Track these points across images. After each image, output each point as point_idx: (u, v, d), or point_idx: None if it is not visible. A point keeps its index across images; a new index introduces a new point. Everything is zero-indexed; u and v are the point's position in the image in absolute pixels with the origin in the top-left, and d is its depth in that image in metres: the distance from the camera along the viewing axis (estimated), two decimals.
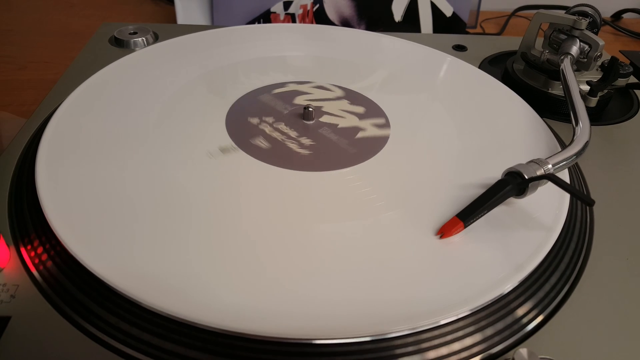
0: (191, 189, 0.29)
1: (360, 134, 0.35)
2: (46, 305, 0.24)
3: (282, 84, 0.41)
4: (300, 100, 0.39)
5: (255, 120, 0.36)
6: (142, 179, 0.30)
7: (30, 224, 0.27)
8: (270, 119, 0.37)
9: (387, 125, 0.37)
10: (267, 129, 0.35)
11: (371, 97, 0.40)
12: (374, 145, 0.34)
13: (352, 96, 0.40)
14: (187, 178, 0.30)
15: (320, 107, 0.38)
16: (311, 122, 0.37)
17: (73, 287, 0.24)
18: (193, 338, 0.22)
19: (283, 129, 0.36)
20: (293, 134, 0.35)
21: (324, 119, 0.37)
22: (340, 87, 0.41)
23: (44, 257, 0.26)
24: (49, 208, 0.27)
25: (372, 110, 0.39)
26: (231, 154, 0.29)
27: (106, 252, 0.25)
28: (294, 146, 0.34)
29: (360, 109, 0.39)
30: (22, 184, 0.30)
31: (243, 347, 0.22)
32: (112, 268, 0.24)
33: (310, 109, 0.36)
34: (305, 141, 0.34)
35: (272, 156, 0.33)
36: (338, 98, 0.40)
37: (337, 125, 0.36)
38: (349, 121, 0.37)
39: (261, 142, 0.34)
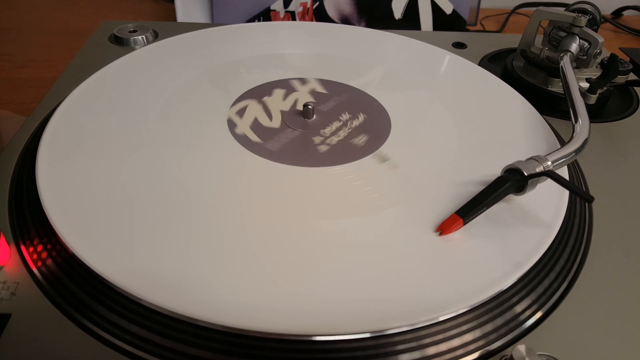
0: (191, 187, 0.29)
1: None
2: (46, 302, 0.24)
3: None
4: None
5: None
6: (142, 177, 0.30)
7: (30, 222, 0.28)
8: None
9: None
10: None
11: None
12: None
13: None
14: (186, 176, 0.30)
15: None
16: (309, 120, 0.37)
17: (73, 285, 0.24)
18: (193, 335, 0.22)
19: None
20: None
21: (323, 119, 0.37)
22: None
23: (44, 255, 0.26)
24: (49, 206, 0.27)
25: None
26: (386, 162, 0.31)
27: (106, 250, 0.25)
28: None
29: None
30: (22, 182, 0.30)
31: (244, 345, 0.22)
32: (112, 266, 0.24)
33: (309, 107, 0.36)
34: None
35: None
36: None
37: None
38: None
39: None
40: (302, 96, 0.40)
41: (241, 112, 0.37)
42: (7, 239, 0.27)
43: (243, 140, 0.34)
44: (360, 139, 0.35)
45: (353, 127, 0.36)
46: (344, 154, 0.33)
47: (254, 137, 0.34)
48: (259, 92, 0.40)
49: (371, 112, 0.38)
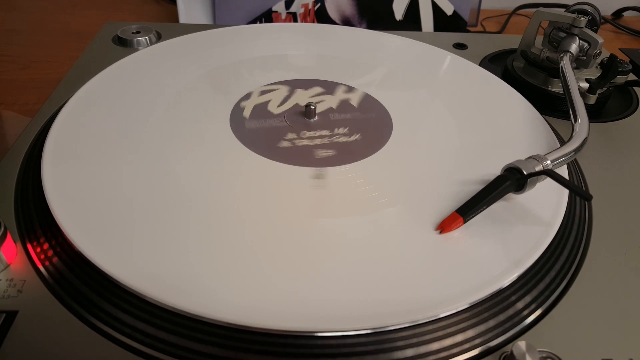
0: (194, 187, 0.30)
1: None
2: (52, 299, 0.24)
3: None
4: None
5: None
6: (146, 176, 0.30)
7: (36, 221, 0.28)
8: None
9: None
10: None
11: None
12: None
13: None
14: (189, 176, 0.31)
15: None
16: (312, 120, 0.37)
17: (78, 282, 0.25)
18: (198, 331, 0.23)
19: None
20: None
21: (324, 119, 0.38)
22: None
23: (50, 253, 0.26)
24: (55, 204, 0.27)
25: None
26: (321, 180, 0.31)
27: (111, 247, 0.25)
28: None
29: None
30: (28, 181, 0.31)
31: (248, 340, 0.23)
32: (117, 263, 0.24)
33: (311, 107, 0.37)
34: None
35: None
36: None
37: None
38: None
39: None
40: (331, 101, 0.40)
41: (266, 92, 0.39)
42: (13, 238, 0.27)
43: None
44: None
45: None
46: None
47: (246, 112, 0.36)
48: (299, 84, 0.41)
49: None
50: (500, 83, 0.44)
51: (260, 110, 0.37)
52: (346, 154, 0.34)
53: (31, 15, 0.72)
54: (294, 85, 0.41)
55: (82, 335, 0.23)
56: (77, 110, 0.36)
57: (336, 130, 0.36)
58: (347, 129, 0.36)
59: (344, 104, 0.40)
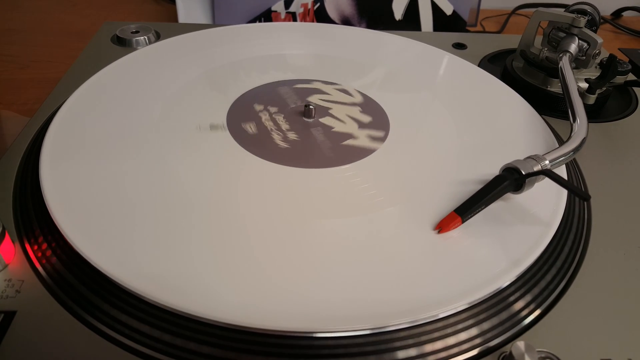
0: (192, 186, 0.30)
1: (349, 142, 0.35)
2: (50, 299, 0.24)
3: (307, 81, 0.42)
4: (314, 99, 0.40)
5: (259, 107, 0.38)
6: (145, 176, 0.30)
7: (34, 221, 0.28)
8: (274, 109, 0.38)
9: (382, 139, 0.35)
10: (264, 117, 0.36)
11: (371, 94, 0.41)
12: (354, 155, 0.34)
13: (368, 105, 0.40)
14: (189, 175, 0.31)
15: (329, 108, 0.39)
16: (310, 120, 0.37)
17: (77, 282, 0.25)
18: (197, 332, 0.23)
19: (279, 120, 0.36)
20: (285, 127, 0.36)
21: (325, 120, 0.37)
22: (362, 94, 0.41)
23: (48, 253, 0.26)
24: (53, 204, 0.27)
25: (378, 122, 0.38)
26: (218, 132, 0.30)
27: (109, 247, 0.25)
28: (277, 137, 0.35)
29: (366, 119, 0.38)
30: (26, 181, 0.31)
31: (250, 341, 0.23)
32: (115, 263, 0.24)
33: (310, 107, 0.37)
34: (291, 135, 0.35)
35: (252, 143, 0.34)
36: (353, 104, 0.40)
37: (332, 128, 0.36)
38: (347, 127, 0.37)
39: (250, 127, 0.35)
40: (318, 97, 0.40)
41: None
42: (11, 238, 0.27)
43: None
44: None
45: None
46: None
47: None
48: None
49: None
50: (499, 83, 0.44)
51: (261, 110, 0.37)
52: (344, 154, 0.33)
53: (31, 15, 0.72)
54: (293, 85, 0.41)
55: (81, 336, 0.23)
56: (75, 110, 0.36)
57: (335, 130, 0.36)
58: (346, 128, 0.36)
59: (344, 104, 0.40)
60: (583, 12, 0.45)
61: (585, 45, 0.42)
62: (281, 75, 0.43)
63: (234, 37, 0.48)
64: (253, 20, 0.68)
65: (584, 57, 0.42)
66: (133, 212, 0.28)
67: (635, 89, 0.46)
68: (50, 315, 0.24)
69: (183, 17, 0.67)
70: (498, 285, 0.25)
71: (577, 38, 0.42)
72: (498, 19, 0.80)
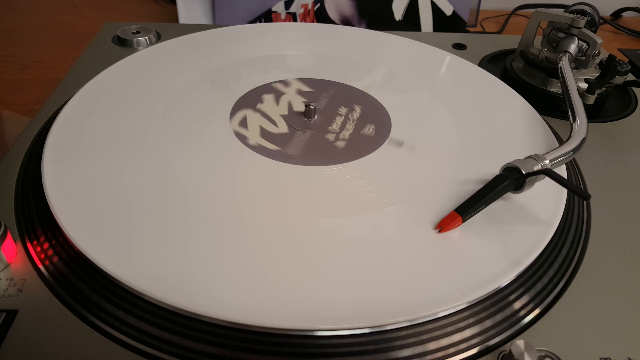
0: (194, 186, 0.30)
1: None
2: (52, 298, 0.24)
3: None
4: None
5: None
6: (147, 176, 0.30)
7: (36, 220, 0.28)
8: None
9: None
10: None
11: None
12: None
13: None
14: (189, 175, 0.31)
15: (332, 108, 0.39)
16: (310, 120, 0.37)
17: (78, 281, 0.25)
18: (198, 331, 0.23)
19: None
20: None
21: (325, 120, 0.38)
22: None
23: (50, 252, 0.26)
24: (55, 204, 0.27)
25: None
26: (400, 148, 0.31)
27: (111, 247, 0.25)
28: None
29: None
30: (28, 181, 0.31)
31: (250, 340, 0.23)
32: (117, 262, 0.24)
33: (311, 107, 0.37)
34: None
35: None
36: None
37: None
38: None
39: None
40: (292, 97, 0.40)
41: (244, 123, 0.36)
42: (13, 237, 0.27)
43: (245, 140, 0.34)
44: (360, 138, 0.35)
45: (353, 127, 0.37)
46: (342, 153, 0.34)
47: (271, 146, 0.34)
48: (250, 100, 0.39)
49: (367, 104, 0.39)
50: (499, 83, 0.44)
51: (272, 137, 0.35)
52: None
53: (31, 15, 0.72)
54: (248, 104, 0.39)
55: (82, 334, 0.23)
56: (77, 110, 0.36)
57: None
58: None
59: (305, 94, 0.40)
60: (582, 13, 0.45)
61: (584, 45, 0.42)
62: (281, 75, 0.43)
63: (235, 38, 0.48)
64: (253, 21, 0.68)
65: (584, 58, 0.42)
66: (135, 212, 0.28)
67: (634, 89, 0.46)
68: (52, 314, 0.24)
69: (184, 18, 0.67)
70: (498, 284, 0.25)
71: (576, 38, 0.42)
72: (498, 19, 0.80)
